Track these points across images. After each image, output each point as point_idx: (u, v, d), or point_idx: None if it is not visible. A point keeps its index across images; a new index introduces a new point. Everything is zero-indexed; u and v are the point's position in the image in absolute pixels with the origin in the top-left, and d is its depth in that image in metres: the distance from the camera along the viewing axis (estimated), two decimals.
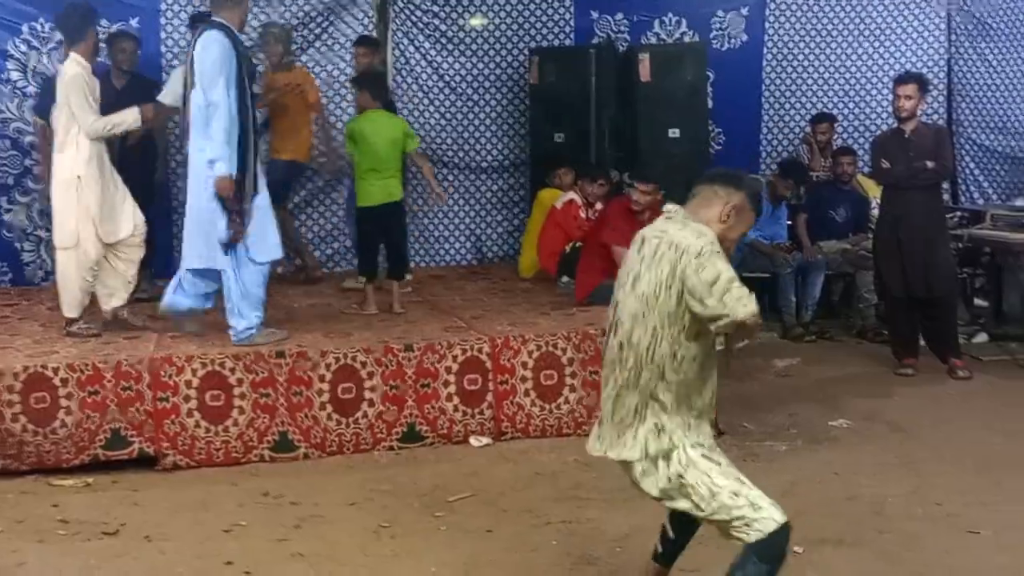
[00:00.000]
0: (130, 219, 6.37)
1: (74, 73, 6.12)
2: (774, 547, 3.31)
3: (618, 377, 3.45)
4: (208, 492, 5.34)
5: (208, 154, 5.79)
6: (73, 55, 6.21)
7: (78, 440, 5.56)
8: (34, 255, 8.49)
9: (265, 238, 6.11)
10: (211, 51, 5.79)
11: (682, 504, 3.41)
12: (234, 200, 5.84)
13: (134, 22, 8.46)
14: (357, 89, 7.40)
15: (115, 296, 6.39)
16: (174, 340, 6.11)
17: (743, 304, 3.22)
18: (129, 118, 6.29)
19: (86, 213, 6.13)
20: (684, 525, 3.71)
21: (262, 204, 6.11)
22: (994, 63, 9.87)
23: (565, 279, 7.79)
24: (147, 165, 7.72)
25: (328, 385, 5.85)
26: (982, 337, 8.32)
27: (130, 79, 7.53)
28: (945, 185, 9.03)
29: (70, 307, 6.26)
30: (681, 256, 3.29)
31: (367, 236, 7.19)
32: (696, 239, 3.31)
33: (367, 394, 5.91)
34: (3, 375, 5.49)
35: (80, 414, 5.55)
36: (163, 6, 8.58)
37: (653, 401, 3.40)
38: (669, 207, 3.52)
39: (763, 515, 3.30)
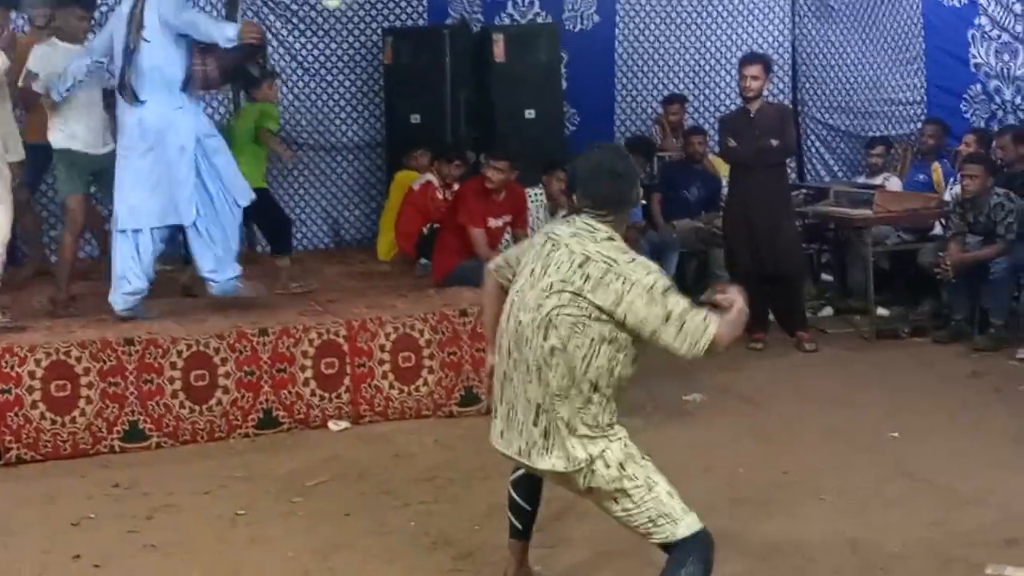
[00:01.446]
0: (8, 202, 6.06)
1: None
2: (708, 549, 3.34)
3: (544, 382, 3.35)
4: (55, 485, 5.18)
5: (222, 38, 5.89)
6: None
7: None
8: None
9: (239, 178, 6.27)
10: None
11: (614, 502, 3.37)
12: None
13: None
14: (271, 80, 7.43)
15: None
16: (11, 332, 5.86)
17: (703, 333, 3.26)
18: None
19: None
20: (534, 493, 3.79)
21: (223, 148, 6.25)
22: (836, 44, 10.18)
23: (423, 261, 7.77)
24: None
25: (180, 372, 5.72)
26: (828, 311, 8.60)
27: None
28: (792, 163, 9.31)
29: None
30: (631, 288, 3.29)
31: None
32: (646, 276, 3.31)
33: (221, 380, 5.80)
34: None
35: None
36: None
37: (585, 410, 3.35)
38: (599, 224, 3.44)
39: (691, 518, 3.35)
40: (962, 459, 5.32)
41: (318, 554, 4.35)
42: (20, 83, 6.54)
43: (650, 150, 9.33)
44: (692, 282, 9.36)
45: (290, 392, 5.93)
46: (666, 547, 3.35)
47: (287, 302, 6.66)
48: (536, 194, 8.18)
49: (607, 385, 3.35)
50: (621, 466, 3.35)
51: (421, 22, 9.57)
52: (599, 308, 3.30)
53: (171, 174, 6.01)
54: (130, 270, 6.06)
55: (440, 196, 8.01)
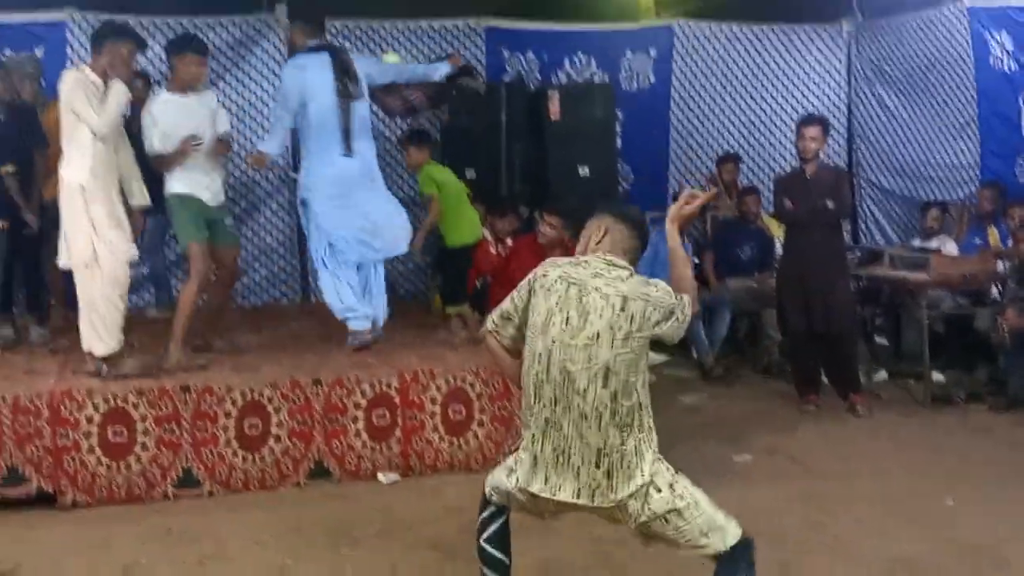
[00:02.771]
0: (124, 238, 6.06)
1: (74, 78, 5.86)
2: (752, 553, 3.67)
3: (606, 425, 3.57)
4: (108, 530, 5.23)
5: (438, 75, 7.13)
6: (84, 66, 6.02)
7: None
8: None
9: None
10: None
11: (665, 523, 3.61)
12: None
13: (39, 50, 8.38)
14: (417, 147, 7.77)
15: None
16: (76, 375, 5.98)
17: (689, 313, 3.77)
18: (122, 96, 5.91)
19: (94, 226, 5.84)
20: (508, 544, 3.88)
21: None
22: (891, 107, 10.17)
23: (476, 315, 7.80)
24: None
25: (234, 420, 5.79)
26: (882, 375, 8.51)
27: (8, 110, 7.27)
28: (846, 226, 9.29)
29: (106, 338, 5.88)
30: (662, 314, 3.65)
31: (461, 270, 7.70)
32: (668, 298, 3.69)
33: (274, 429, 5.85)
34: None
35: None
36: (69, 36, 8.49)
37: (648, 432, 3.66)
38: (618, 261, 3.75)
39: (733, 525, 3.69)
40: (1017, 528, 5.23)
41: None
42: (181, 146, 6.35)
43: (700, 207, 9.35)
44: (745, 342, 9.35)
45: (341, 443, 5.97)
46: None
47: (342, 353, 6.72)
48: None
49: (649, 400, 3.68)
50: (671, 487, 3.62)
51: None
52: (646, 339, 3.63)
53: (385, 210, 6.77)
54: (361, 302, 6.74)
55: (493, 250, 8.07)
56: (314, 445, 5.92)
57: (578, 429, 3.58)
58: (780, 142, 10.32)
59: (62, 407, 5.53)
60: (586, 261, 3.74)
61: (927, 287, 7.80)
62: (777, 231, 8.80)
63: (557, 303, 3.65)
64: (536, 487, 3.66)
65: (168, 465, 5.67)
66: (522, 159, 9.00)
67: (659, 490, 3.58)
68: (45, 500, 5.53)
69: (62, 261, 5.98)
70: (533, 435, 3.67)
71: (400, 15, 9.65)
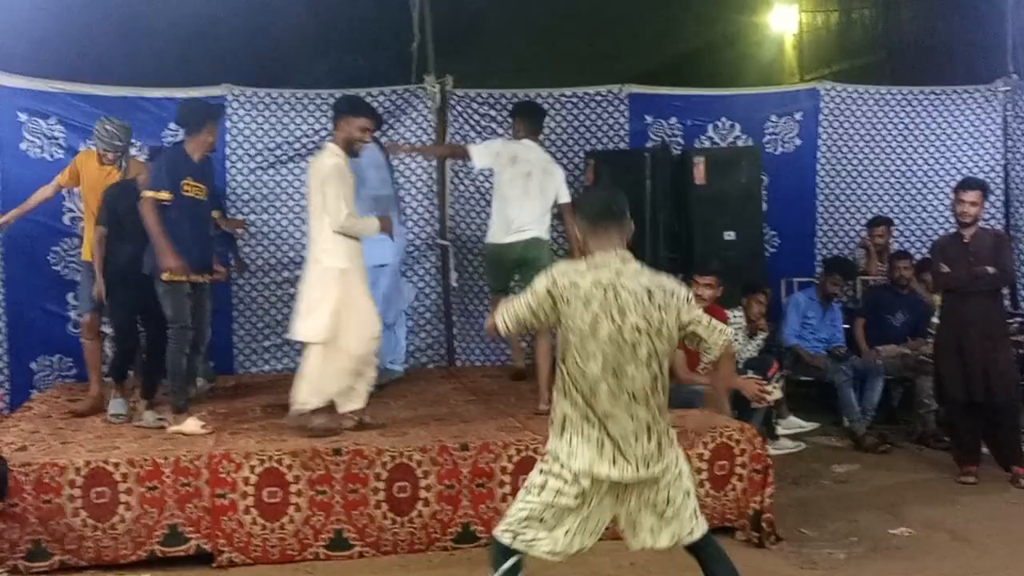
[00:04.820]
0: (375, 315, 6.40)
1: (332, 163, 6.15)
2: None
3: (651, 406, 4.08)
4: None
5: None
6: (330, 145, 6.31)
7: (136, 535, 5.60)
8: None
9: None
10: None
11: (673, 503, 4.14)
12: None
13: None
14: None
15: (355, 399, 6.35)
16: (233, 436, 6.17)
17: (721, 329, 4.26)
18: (371, 226, 6.33)
19: (348, 307, 6.12)
20: None
21: None
22: None
23: None
24: None
25: (384, 483, 5.85)
26: None
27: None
28: (1006, 290, 8.97)
29: (312, 397, 6.18)
30: (678, 300, 4.14)
31: None
32: (678, 286, 4.19)
33: (422, 493, 5.90)
34: (65, 470, 5.57)
35: (139, 509, 5.60)
36: (228, 110, 8.83)
37: (669, 420, 4.20)
38: (624, 254, 4.18)
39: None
40: None
41: None
42: None
43: (849, 271, 9.20)
44: (898, 410, 9.08)
45: (488, 507, 5.97)
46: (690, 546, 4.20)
47: (489, 418, 6.76)
48: (736, 316, 8.12)
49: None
50: (690, 473, 4.25)
51: (623, 145, 9.72)
52: (670, 327, 4.10)
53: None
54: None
55: None
56: (461, 509, 5.94)
57: (630, 411, 4.03)
58: (933, 205, 10.05)
59: (220, 468, 5.68)
60: (605, 264, 4.11)
61: None
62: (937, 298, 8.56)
63: (600, 307, 4.02)
64: (604, 470, 4.05)
65: (320, 526, 5.76)
66: (667, 224, 8.99)
67: (682, 473, 4.16)
68: (202, 559, 5.67)
69: (301, 334, 6.25)
70: (596, 425, 4.06)
71: (546, 84, 9.80)
